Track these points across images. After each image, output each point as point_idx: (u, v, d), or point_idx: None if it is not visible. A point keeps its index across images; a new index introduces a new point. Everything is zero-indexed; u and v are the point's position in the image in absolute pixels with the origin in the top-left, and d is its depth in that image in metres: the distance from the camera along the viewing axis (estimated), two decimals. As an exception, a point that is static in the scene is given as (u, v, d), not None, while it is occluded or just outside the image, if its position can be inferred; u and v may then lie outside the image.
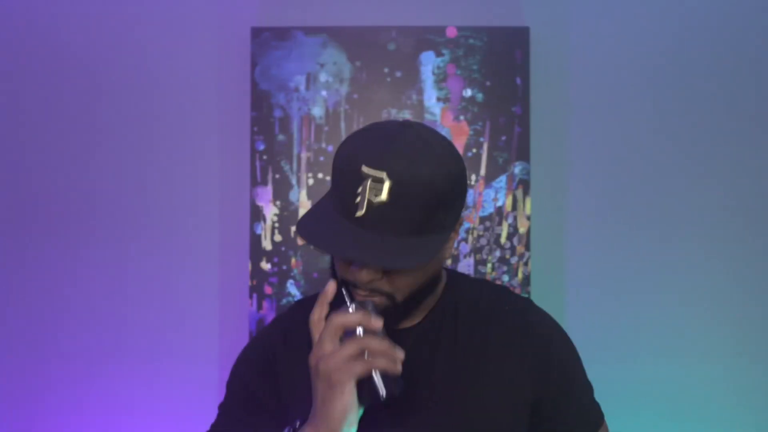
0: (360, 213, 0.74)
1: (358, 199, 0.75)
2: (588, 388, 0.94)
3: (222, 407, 0.94)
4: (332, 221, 0.77)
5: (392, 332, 0.82)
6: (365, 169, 0.75)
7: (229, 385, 0.95)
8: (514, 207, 1.56)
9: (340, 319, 0.76)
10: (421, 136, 0.79)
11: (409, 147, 0.76)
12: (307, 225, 0.79)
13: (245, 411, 0.90)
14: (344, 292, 0.80)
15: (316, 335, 0.78)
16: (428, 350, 0.88)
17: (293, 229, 1.56)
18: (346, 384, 0.73)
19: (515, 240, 1.56)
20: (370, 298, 0.80)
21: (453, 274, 0.97)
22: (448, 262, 1.56)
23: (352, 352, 0.74)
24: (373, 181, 0.74)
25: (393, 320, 0.82)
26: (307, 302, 0.93)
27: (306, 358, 0.79)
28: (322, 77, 1.57)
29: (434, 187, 0.75)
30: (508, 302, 0.94)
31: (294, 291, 1.55)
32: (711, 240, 1.61)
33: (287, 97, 1.57)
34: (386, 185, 0.74)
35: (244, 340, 1.59)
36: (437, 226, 0.78)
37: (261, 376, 0.91)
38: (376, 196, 0.74)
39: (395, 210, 0.74)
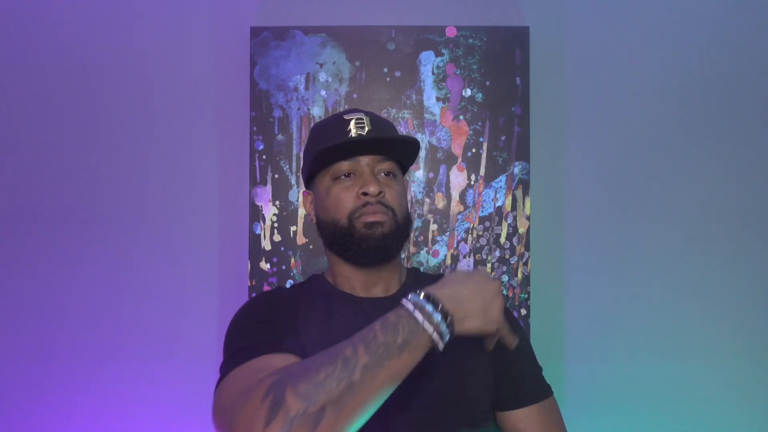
0: (354, 137, 0.98)
1: (350, 134, 0.99)
2: (538, 365, 1.06)
3: (229, 349, 0.90)
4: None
5: (375, 300, 1.01)
6: (346, 117, 1.01)
7: (235, 330, 0.94)
8: (514, 207, 1.56)
9: None
10: None
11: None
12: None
13: (267, 333, 0.91)
14: None
15: None
16: None
17: (293, 229, 1.56)
18: (498, 322, 0.85)
19: (515, 240, 1.56)
20: (382, 217, 0.96)
21: (413, 268, 1.14)
22: (448, 261, 1.56)
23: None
24: (356, 121, 1.00)
25: (395, 242, 0.99)
26: (291, 288, 1.08)
27: (313, 317, 0.97)
28: (322, 77, 1.57)
29: (393, 125, 1.06)
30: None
31: (293, 291, 1.55)
32: (711, 239, 1.61)
33: (286, 97, 1.57)
34: (367, 120, 1.01)
35: (243, 341, 1.59)
36: (405, 155, 1.06)
37: (278, 310, 0.97)
38: (362, 129, 0.99)
39: (377, 134, 0.99)
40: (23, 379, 1.62)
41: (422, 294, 0.79)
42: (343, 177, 1.00)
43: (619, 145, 1.62)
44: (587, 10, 1.63)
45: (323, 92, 1.57)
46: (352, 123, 0.99)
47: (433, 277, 1.08)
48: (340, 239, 0.99)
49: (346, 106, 1.57)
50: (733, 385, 1.59)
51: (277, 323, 0.94)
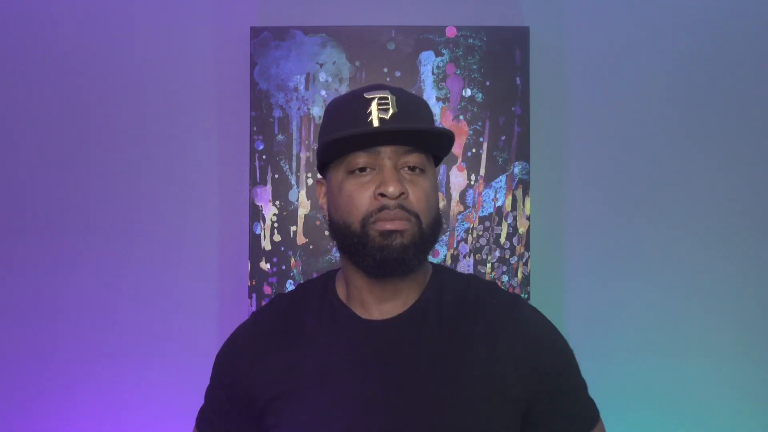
0: (375, 126, 0.81)
1: (370, 117, 0.82)
2: (582, 385, 0.92)
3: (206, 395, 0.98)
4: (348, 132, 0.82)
5: (378, 322, 0.87)
6: (367, 95, 0.83)
7: (212, 373, 0.97)
8: (514, 207, 1.56)
9: None
10: None
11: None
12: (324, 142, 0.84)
13: (215, 409, 0.95)
14: None
15: None
16: (412, 341, 0.86)
17: (293, 229, 1.56)
18: None
19: (515, 240, 1.56)
20: (402, 224, 0.81)
21: (439, 266, 0.97)
22: (447, 261, 1.56)
23: None
24: (379, 100, 0.82)
25: (418, 254, 0.83)
26: (287, 298, 0.97)
27: (279, 358, 0.88)
28: (322, 77, 1.57)
29: (425, 106, 0.88)
30: (497, 296, 0.91)
31: (293, 291, 1.55)
32: (711, 239, 1.61)
33: (286, 97, 1.57)
34: (392, 99, 0.83)
35: (243, 341, 1.59)
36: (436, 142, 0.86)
37: (223, 383, 0.94)
38: (386, 111, 0.82)
39: (404, 119, 0.82)
40: (22, 380, 1.62)
41: None
42: (358, 171, 0.83)
43: (619, 145, 1.62)
44: (587, 10, 1.63)
45: (323, 92, 1.57)
46: (374, 104, 0.82)
47: (459, 283, 0.93)
48: (352, 246, 0.83)
49: (346, 106, 1.57)
50: (733, 385, 1.59)
51: (224, 397, 0.93)
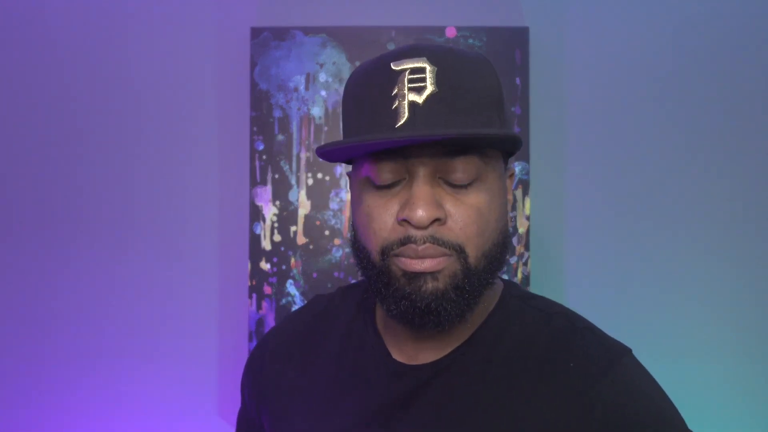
0: (402, 121, 0.55)
1: (395, 104, 0.55)
2: None
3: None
4: (364, 136, 0.57)
5: (409, 368, 0.64)
6: (396, 66, 0.56)
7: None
8: (514, 207, 1.56)
9: None
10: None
11: (439, 43, 0.61)
12: (326, 146, 0.58)
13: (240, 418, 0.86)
14: None
15: None
16: (446, 396, 0.62)
17: (293, 229, 1.56)
18: None
19: (515, 240, 1.56)
20: (434, 264, 0.56)
21: (513, 286, 0.70)
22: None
23: None
24: (411, 73, 0.55)
25: (462, 301, 0.58)
26: (305, 312, 0.81)
27: (293, 379, 0.71)
28: (322, 77, 1.57)
29: (483, 76, 0.58)
30: (583, 348, 0.63)
31: (293, 291, 1.55)
32: (711, 239, 1.61)
33: (287, 97, 1.57)
34: (430, 72, 0.55)
35: (243, 341, 1.59)
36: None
37: (245, 397, 0.82)
38: (420, 91, 0.55)
39: (445, 103, 0.55)
40: (21, 380, 1.62)
41: None
42: (381, 185, 0.59)
43: (619, 145, 1.63)
44: (587, 10, 1.63)
45: (323, 92, 1.57)
46: (405, 81, 0.55)
47: (535, 319, 0.65)
48: (373, 280, 0.61)
49: (346, 107, 1.57)
50: (733, 385, 1.59)
51: (247, 397, 0.80)
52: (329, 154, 0.58)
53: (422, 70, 0.55)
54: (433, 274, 0.57)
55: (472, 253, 0.58)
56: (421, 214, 0.55)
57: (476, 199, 0.58)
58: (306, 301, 0.97)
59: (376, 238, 0.59)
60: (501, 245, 0.61)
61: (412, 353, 0.66)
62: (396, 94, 0.55)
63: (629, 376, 0.61)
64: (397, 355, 0.67)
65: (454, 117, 0.55)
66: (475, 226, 0.58)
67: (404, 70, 0.56)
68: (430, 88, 0.55)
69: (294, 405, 0.69)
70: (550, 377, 0.60)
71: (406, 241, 0.57)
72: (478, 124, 0.56)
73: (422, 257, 0.56)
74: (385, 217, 0.58)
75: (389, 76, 0.56)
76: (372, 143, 0.54)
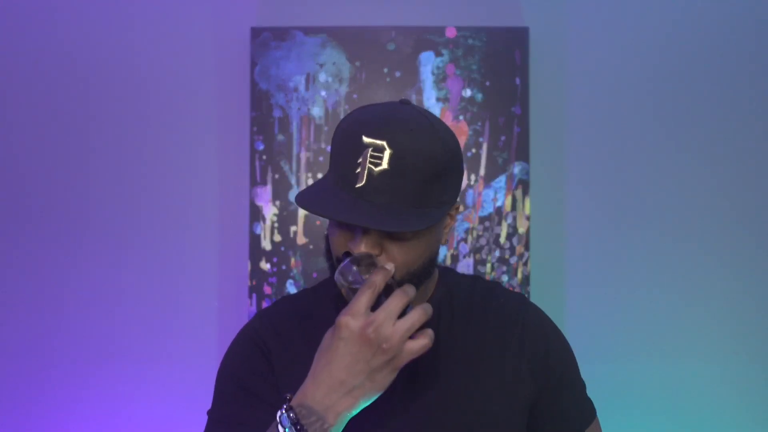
0: (360, 183, 0.74)
1: (359, 169, 0.74)
2: (581, 382, 0.94)
3: (212, 413, 0.90)
4: (332, 193, 0.77)
5: None
6: (366, 139, 0.75)
7: (219, 386, 0.92)
8: (514, 207, 1.56)
9: (379, 278, 0.73)
10: (420, 112, 0.80)
11: (408, 120, 0.77)
12: (305, 196, 0.78)
13: (242, 407, 0.88)
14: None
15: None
16: (438, 350, 0.86)
17: (293, 229, 1.56)
18: (403, 362, 0.71)
19: (515, 240, 1.56)
20: (370, 275, 0.75)
21: (443, 269, 0.96)
22: (448, 261, 1.56)
23: (411, 327, 0.71)
24: (373, 150, 0.74)
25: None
26: (293, 298, 0.99)
27: (301, 352, 0.83)
28: (322, 77, 1.57)
29: (434, 158, 0.76)
30: (503, 296, 0.93)
31: (293, 291, 1.55)
32: (710, 239, 1.61)
33: (287, 97, 1.57)
34: (387, 153, 0.74)
35: (243, 340, 1.59)
36: (436, 201, 0.78)
37: (255, 369, 0.89)
38: (377, 165, 0.74)
39: (395, 179, 0.74)
40: (21, 380, 1.62)
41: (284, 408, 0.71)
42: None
43: (619, 145, 1.63)
44: (587, 10, 1.63)
45: (323, 92, 1.58)
46: (367, 155, 0.74)
47: (465, 284, 0.93)
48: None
49: (347, 107, 1.57)
50: (733, 385, 1.59)
51: (249, 394, 0.89)
52: (300, 203, 0.78)
53: (382, 149, 0.74)
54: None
55: (405, 273, 0.78)
56: (363, 248, 0.76)
57: (409, 242, 0.78)
58: None
59: (334, 250, 0.82)
60: (429, 261, 0.83)
61: None
62: (360, 162, 0.75)
63: (535, 307, 0.95)
64: None
65: (397, 192, 0.74)
66: (405, 257, 0.78)
67: (369, 145, 0.75)
68: (384, 166, 0.74)
69: (300, 368, 0.81)
70: (493, 312, 0.90)
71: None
72: (416, 200, 0.75)
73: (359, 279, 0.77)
74: (339, 242, 0.81)
75: (360, 146, 0.75)
76: (327, 216, 0.75)
